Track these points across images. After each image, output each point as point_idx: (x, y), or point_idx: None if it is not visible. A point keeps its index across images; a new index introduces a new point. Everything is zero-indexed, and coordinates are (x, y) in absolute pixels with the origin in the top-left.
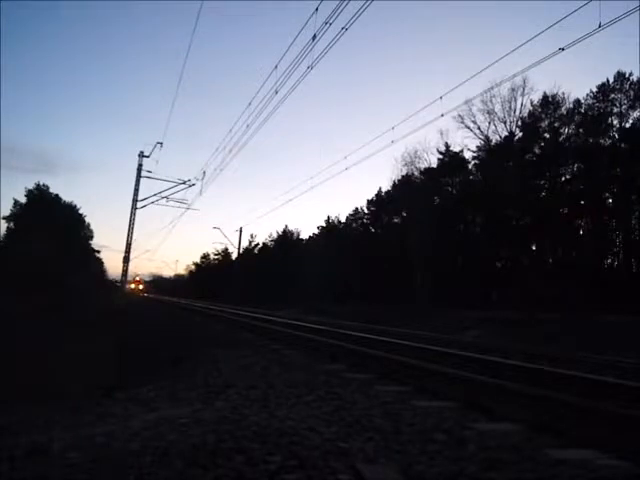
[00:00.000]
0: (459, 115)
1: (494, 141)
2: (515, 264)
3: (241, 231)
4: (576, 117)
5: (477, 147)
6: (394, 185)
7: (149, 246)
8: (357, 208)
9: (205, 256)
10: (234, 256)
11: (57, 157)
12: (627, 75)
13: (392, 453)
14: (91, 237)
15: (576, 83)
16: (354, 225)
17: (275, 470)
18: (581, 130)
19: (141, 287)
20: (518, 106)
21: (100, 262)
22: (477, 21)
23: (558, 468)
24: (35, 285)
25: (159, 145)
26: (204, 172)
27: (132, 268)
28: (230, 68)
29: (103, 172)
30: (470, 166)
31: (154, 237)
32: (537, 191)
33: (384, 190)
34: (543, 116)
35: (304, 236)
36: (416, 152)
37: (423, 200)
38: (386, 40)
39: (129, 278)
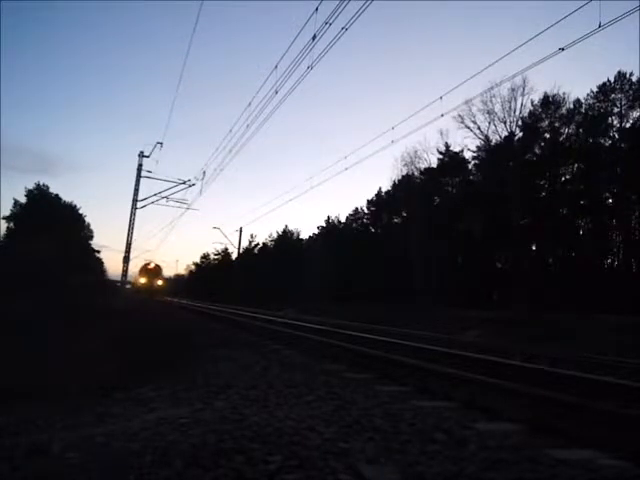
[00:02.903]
0: (459, 115)
1: (494, 141)
2: (515, 264)
3: (241, 231)
4: (576, 117)
5: (477, 147)
6: (394, 185)
7: (149, 246)
8: (357, 208)
9: (205, 256)
10: (234, 256)
11: (57, 157)
12: (627, 75)
13: (392, 453)
14: (91, 237)
15: (576, 83)
16: (354, 225)
17: (275, 470)
18: (581, 130)
19: (160, 283)
20: (518, 106)
21: (100, 262)
22: (477, 21)
23: (558, 468)
24: (35, 285)
25: (159, 145)
26: (204, 172)
27: (132, 268)
28: (230, 68)
29: (103, 172)
30: (470, 166)
31: (154, 237)
32: (537, 191)
33: (384, 190)
34: (543, 116)
35: (304, 236)
36: (416, 152)
37: (423, 200)
38: (386, 40)
39: (131, 272)
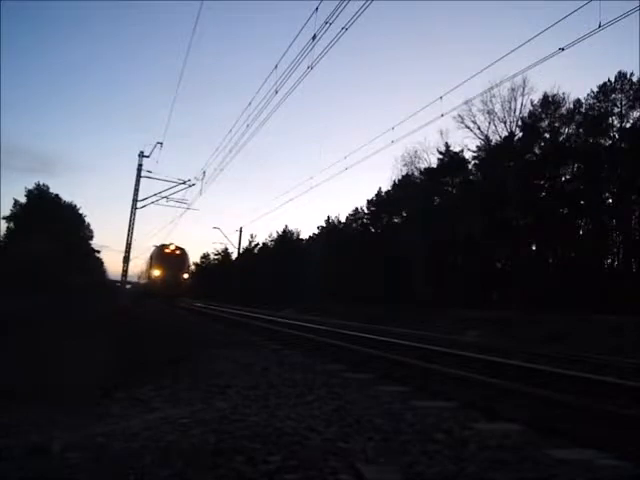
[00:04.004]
0: (459, 115)
1: (494, 141)
2: (515, 264)
3: (241, 231)
4: (576, 117)
5: (477, 147)
6: (394, 185)
7: (149, 246)
8: (357, 208)
9: (205, 256)
10: (234, 256)
11: (57, 157)
12: (628, 75)
13: (392, 453)
14: (91, 237)
15: (576, 83)
16: (354, 225)
17: (275, 470)
18: (581, 130)
19: (185, 277)
20: (518, 106)
21: (100, 262)
22: (477, 21)
23: (558, 468)
24: (35, 285)
25: (159, 145)
26: (204, 172)
27: (132, 267)
28: (230, 68)
29: (103, 172)
30: (470, 166)
31: (154, 237)
32: (537, 191)
33: (384, 190)
34: (543, 116)
35: (304, 236)
36: (416, 152)
37: (423, 200)
38: (386, 40)
39: (131, 273)
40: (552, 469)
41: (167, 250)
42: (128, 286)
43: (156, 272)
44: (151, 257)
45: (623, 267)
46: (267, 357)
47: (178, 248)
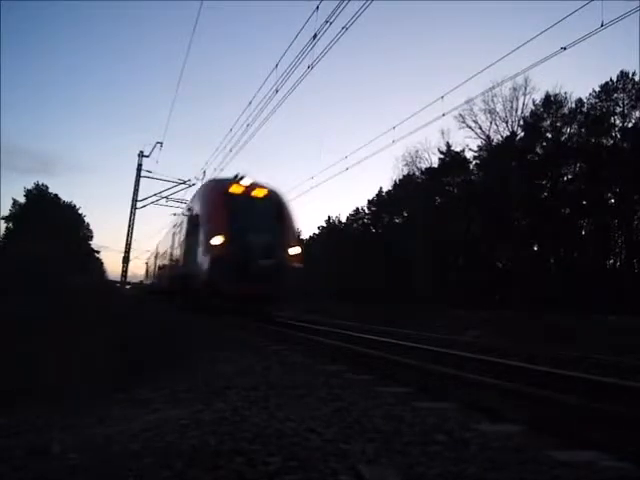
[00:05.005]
0: (460, 115)
1: (496, 141)
2: (516, 264)
3: None
4: (578, 117)
5: (478, 147)
6: (395, 185)
7: (149, 246)
8: (358, 208)
9: None
10: None
11: (57, 157)
12: (630, 75)
13: (393, 454)
14: (91, 237)
15: (578, 83)
16: (355, 225)
17: (275, 471)
18: (583, 130)
19: (294, 252)
20: (520, 106)
21: (100, 262)
22: (478, 20)
23: (560, 469)
24: (34, 285)
25: (159, 145)
26: (204, 172)
27: (132, 268)
28: (230, 68)
29: (103, 172)
30: (471, 166)
31: (154, 237)
32: (539, 191)
33: (385, 190)
34: (545, 116)
35: (304, 236)
36: (417, 152)
37: (424, 200)
38: (387, 40)
39: (131, 273)
40: (554, 470)
41: (238, 190)
42: (128, 286)
43: (215, 241)
44: (190, 211)
45: (625, 267)
46: (267, 358)
47: (262, 187)
